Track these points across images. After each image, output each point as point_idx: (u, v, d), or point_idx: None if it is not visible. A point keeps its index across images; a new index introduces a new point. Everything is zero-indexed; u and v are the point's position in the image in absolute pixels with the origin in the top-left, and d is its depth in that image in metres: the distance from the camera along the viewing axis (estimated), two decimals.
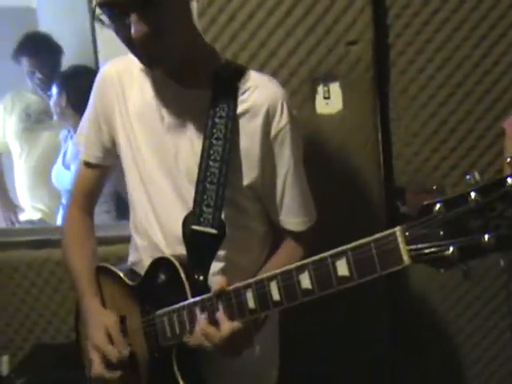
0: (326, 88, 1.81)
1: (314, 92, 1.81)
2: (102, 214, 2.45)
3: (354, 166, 1.84)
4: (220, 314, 1.15)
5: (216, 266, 1.31)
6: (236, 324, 1.14)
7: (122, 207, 2.44)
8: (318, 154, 1.80)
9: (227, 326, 1.14)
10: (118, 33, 1.17)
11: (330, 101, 1.82)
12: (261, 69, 1.74)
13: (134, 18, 1.10)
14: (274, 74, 1.70)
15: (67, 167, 2.67)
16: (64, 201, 2.70)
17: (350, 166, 1.84)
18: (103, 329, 1.32)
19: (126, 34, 1.14)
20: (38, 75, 2.92)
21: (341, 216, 1.80)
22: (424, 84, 1.80)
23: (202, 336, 1.17)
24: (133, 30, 1.11)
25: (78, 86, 2.57)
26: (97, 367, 1.31)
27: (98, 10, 1.15)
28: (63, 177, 2.68)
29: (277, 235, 1.44)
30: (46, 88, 2.91)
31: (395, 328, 1.94)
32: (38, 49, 2.93)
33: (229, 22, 1.77)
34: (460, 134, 1.82)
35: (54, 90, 2.66)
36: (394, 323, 1.94)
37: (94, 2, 1.14)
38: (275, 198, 1.35)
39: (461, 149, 1.83)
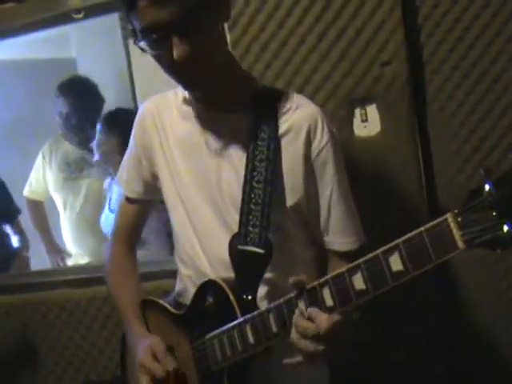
0: (363, 111, 1.82)
1: (351, 115, 1.82)
2: None
3: (396, 188, 1.82)
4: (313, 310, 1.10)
5: (261, 289, 1.30)
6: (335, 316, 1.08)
7: None
8: (358, 177, 1.77)
9: (325, 317, 1.08)
10: (158, 58, 1.21)
11: (367, 123, 1.82)
12: None
13: (175, 40, 1.14)
14: (310, 99, 1.72)
15: (113, 211, 2.69)
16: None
17: (392, 188, 1.82)
18: (149, 349, 1.33)
19: (167, 58, 1.17)
20: (73, 120, 2.97)
21: (384, 239, 1.77)
22: (462, 100, 1.78)
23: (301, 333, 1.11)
24: (175, 52, 1.14)
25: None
26: None
27: (139, 39, 1.19)
28: (109, 221, 2.70)
29: (324, 262, 1.42)
30: (79, 133, 2.97)
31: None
32: (82, 92, 2.99)
33: (262, 50, 1.80)
34: (502, 148, 1.79)
35: (103, 129, 2.66)
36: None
37: (138, 26, 1.18)
38: (321, 218, 1.34)
39: (503, 163, 1.79)
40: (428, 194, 1.84)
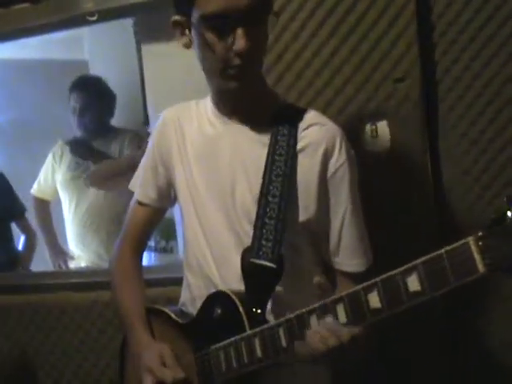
0: (373, 127, 1.81)
1: (361, 131, 1.81)
2: None
3: (405, 205, 1.81)
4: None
5: (268, 303, 1.29)
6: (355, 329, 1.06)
7: None
8: (366, 193, 1.78)
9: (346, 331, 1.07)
10: (207, 48, 1.21)
11: (377, 139, 1.81)
12: None
13: (240, 31, 1.17)
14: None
15: None
16: None
17: (401, 206, 1.81)
18: (157, 355, 1.31)
19: (222, 47, 1.19)
20: (87, 113, 2.96)
21: (392, 256, 1.75)
22: (473, 120, 1.78)
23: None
24: (238, 42, 1.17)
25: None
26: None
27: (195, 26, 1.21)
28: None
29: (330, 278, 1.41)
30: (94, 132, 2.97)
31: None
32: (94, 86, 3.00)
33: (275, 62, 1.80)
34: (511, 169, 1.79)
35: None
36: None
37: (198, 14, 1.20)
38: (332, 237, 1.34)
39: None
40: (437, 212, 1.83)
